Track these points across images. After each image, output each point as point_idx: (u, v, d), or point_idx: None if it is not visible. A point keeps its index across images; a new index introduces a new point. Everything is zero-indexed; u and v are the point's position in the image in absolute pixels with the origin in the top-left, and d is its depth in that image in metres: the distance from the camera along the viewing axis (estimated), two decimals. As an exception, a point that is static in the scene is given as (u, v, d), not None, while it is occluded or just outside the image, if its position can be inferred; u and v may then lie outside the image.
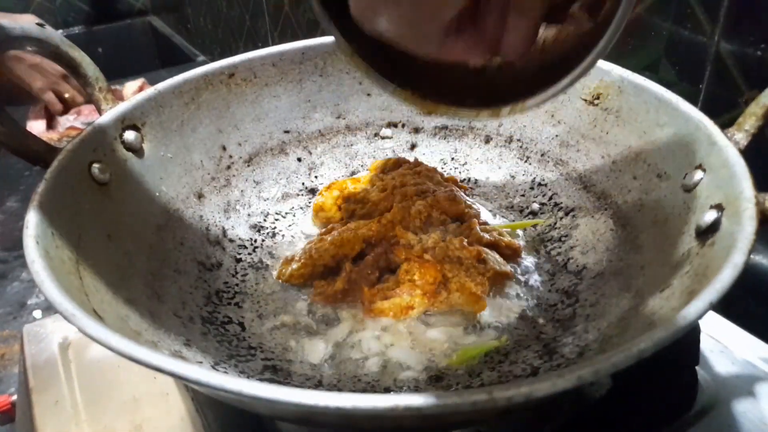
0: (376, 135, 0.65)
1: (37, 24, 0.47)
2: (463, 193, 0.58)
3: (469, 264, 0.49)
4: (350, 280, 0.49)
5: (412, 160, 0.63)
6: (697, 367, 0.47)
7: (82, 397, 0.50)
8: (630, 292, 0.45)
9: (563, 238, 0.54)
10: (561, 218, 0.56)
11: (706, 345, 0.50)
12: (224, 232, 0.56)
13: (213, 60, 0.58)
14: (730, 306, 0.52)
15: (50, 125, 1.27)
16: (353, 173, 0.63)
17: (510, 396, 0.27)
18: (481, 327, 0.47)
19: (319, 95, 0.63)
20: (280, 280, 0.52)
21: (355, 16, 0.28)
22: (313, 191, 0.62)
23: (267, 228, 0.58)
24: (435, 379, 0.43)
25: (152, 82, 0.53)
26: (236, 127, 0.59)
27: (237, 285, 0.52)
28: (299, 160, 0.63)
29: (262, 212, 0.59)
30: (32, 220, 0.39)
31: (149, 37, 1.94)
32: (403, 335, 0.46)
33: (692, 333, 0.46)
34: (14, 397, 0.64)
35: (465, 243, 0.50)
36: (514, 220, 0.58)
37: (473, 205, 0.56)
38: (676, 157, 0.46)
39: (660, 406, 0.44)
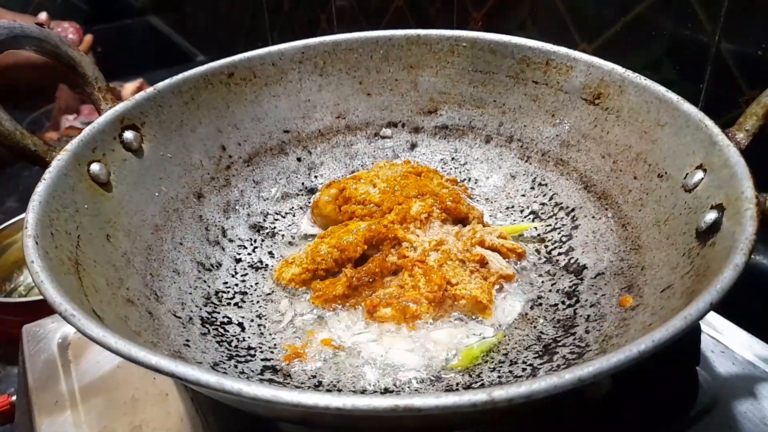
0: (376, 135, 0.65)
1: (37, 24, 0.47)
2: (464, 195, 0.58)
3: (472, 268, 0.49)
4: (351, 286, 0.48)
5: (412, 160, 0.63)
6: (697, 368, 0.47)
7: (81, 398, 0.50)
8: (631, 293, 0.45)
9: (564, 239, 0.54)
10: (561, 218, 0.55)
11: (706, 345, 0.50)
12: (224, 232, 0.56)
13: (212, 60, 0.58)
14: (730, 306, 0.52)
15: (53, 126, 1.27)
16: (353, 173, 0.63)
17: (510, 397, 0.27)
18: (482, 327, 0.46)
19: (318, 95, 0.62)
20: (279, 283, 0.52)
21: None
22: (312, 191, 0.62)
23: (267, 228, 0.58)
24: (435, 379, 0.43)
25: (151, 82, 0.53)
26: (236, 126, 0.59)
27: (237, 285, 0.52)
28: (299, 159, 0.63)
29: (261, 212, 0.59)
30: (31, 220, 0.39)
31: (148, 36, 1.94)
32: (404, 337, 0.45)
33: (693, 333, 0.46)
34: (14, 398, 0.64)
35: (468, 246, 0.50)
36: (515, 221, 0.58)
37: (476, 207, 0.56)
38: (677, 157, 0.46)
39: (660, 406, 0.44)
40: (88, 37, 1.33)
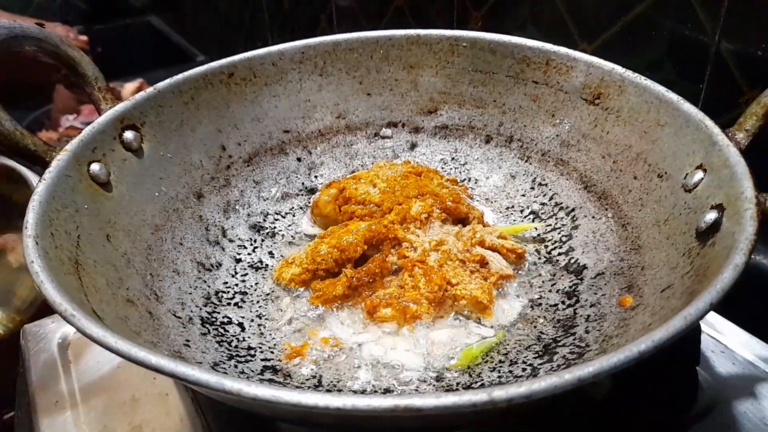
0: (376, 135, 0.65)
1: (37, 23, 0.47)
2: (464, 195, 0.58)
3: (472, 268, 0.49)
4: (351, 286, 0.48)
5: (412, 160, 0.63)
6: (697, 368, 0.47)
7: (81, 398, 0.50)
8: (631, 293, 0.45)
9: (564, 239, 0.54)
10: (561, 218, 0.55)
11: (706, 345, 0.50)
12: (224, 232, 0.56)
13: (212, 59, 0.58)
14: (730, 306, 0.52)
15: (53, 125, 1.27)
16: (353, 173, 0.63)
17: (510, 397, 0.27)
18: (482, 327, 0.47)
19: (318, 95, 0.62)
20: (279, 283, 0.52)
21: None
22: (312, 191, 0.62)
23: (267, 228, 0.58)
24: (435, 379, 0.43)
25: (151, 82, 0.53)
26: (236, 126, 0.59)
27: (237, 285, 0.52)
28: (299, 159, 0.63)
29: (261, 212, 0.59)
30: (31, 220, 0.39)
31: (148, 36, 1.94)
32: (404, 337, 0.45)
33: (693, 333, 0.46)
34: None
35: (468, 246, 0.50)
36: (515, 221, 0.58)
37: (476, 207, 0.56)
38: (677, 157, 0.46)
39: (661, 406, 0.44)
40: (83, 38, 1.33)
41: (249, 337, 0.47)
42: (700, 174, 0.43)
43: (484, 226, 0.54)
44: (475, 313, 0.47)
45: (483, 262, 0.49)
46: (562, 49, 0.56)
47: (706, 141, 0.43)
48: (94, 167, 0.46)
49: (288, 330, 0.48)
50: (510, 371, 0.43)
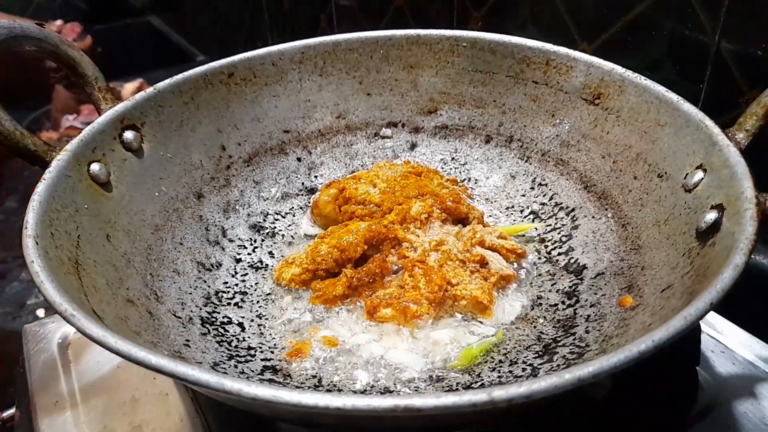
0: (376, 135, 0.65)
1: (37, 23, 0.47)
2: (464, 195, 0.58)
3: (473, 268, 0.49)
4: (351, 286, 0.48)
5: (412, 160, 0.63)
6: (697, 368, 0.47)
7: (81, 398, 0.50)
8: (631, 293, 0.45)
9: (564, 239, 0.54)
10: (561, 218, 0.55)
11: (706, 345, 0.50)
12: (224, 232, 0.56)
13: (212, 59, 0.58)
14: (730, 306, 0.52)
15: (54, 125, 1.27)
16: (353, 173, 0.63)
17: (510, 397, 0.27)
18: (482, 327, 0.47)
19: (318, 95, 0.62)
20: (279, 283, 0.52)
21: None
22: (312, 191, 0.62)
23: (267, 228, 0.58)
24: (435, 379, 0.43)
25: (151, 82, 0.53)
26: (236, 126, 0.59)
27: (237, 285, 0.52)
28: (299, 159, 0.63)
29: (261, 212, 0.59)
30: (31, 220, 0.39)
31: (148, 36, 1.94)
32: (404, 337, 0.45)
33: (693, 333, 0.46)
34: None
35: (468, 246, 0.50)
36: (515, 221, 0.58)
37: (476, 207, 0.56)
38: (677, 157, 0.46)
39: (661, 406, 0.44)
40: (87, 40, 1.33)
41: (249, 337, 0.47)
42: (700, 174, 0.43)
43: (484, 226, 0.54)
44: (475, 314, 0.47)
45: (483, 262, 0.49)
46: (562, 49, 0.56)
47: (706, 141, 0.43)
48: (94, 167, 0.46)
49: (288, 330, 0.48)
50: (510, 371, 0.43)
